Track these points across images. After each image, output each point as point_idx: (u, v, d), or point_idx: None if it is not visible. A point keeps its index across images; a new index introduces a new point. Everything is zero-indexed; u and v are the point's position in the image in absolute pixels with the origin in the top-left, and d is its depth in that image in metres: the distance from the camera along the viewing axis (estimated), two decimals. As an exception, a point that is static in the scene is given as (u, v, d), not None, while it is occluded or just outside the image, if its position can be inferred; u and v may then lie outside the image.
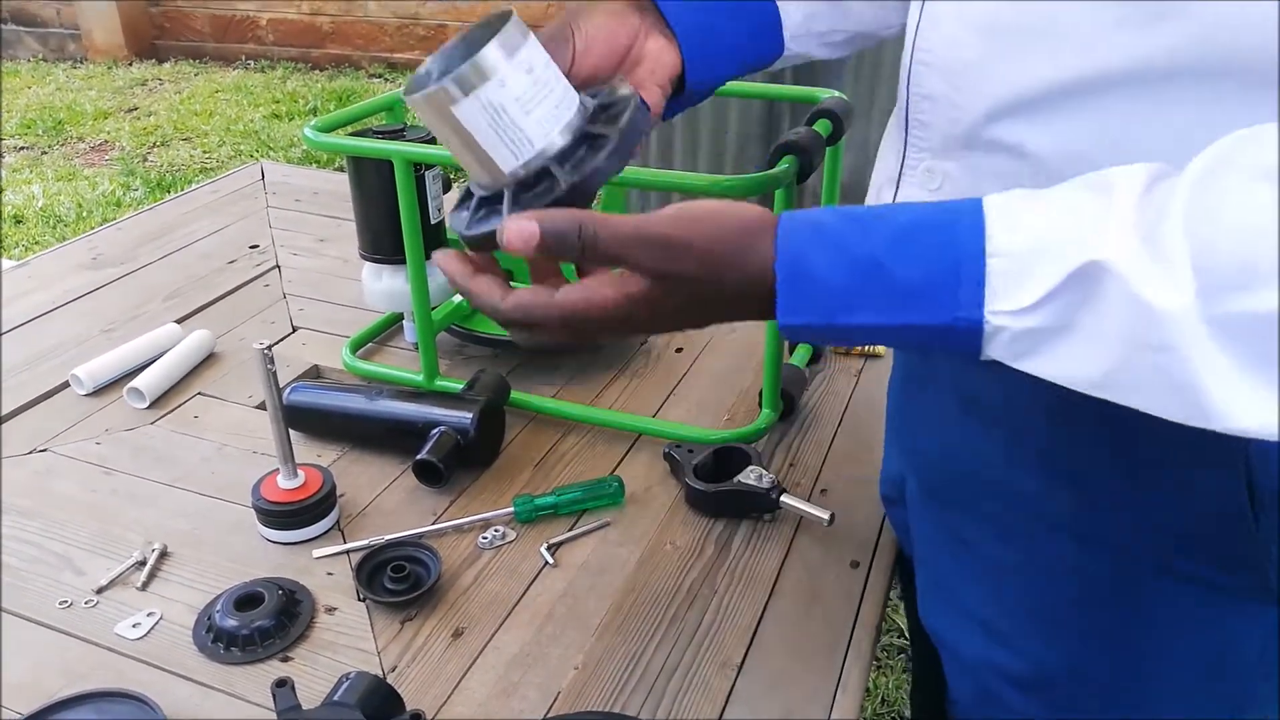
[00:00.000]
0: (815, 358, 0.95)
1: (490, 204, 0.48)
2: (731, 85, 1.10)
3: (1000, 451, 0.52)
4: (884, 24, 0.66)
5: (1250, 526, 0.46)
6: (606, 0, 0.58)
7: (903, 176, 0.54)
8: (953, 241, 0.39)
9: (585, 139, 0.47)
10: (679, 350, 0.99)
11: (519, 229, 0.43)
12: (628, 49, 0.57)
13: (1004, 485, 0.52)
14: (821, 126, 0.82)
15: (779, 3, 0.62)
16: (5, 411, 0.90)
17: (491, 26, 0.46)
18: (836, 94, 0.88)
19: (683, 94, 0.61)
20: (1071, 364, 0.38)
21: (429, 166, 0.89)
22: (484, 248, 0.48)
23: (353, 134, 0.90)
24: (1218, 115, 0.39)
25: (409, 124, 0.92)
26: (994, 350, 0.40)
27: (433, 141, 0.87)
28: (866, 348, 0.99)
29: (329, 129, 0.86)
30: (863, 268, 0.40)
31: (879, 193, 0.59)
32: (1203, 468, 0.45)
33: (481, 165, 0.47)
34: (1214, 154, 0.36)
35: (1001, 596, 0.55)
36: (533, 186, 0.47)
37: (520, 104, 0.45)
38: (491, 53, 0.44)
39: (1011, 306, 0.38)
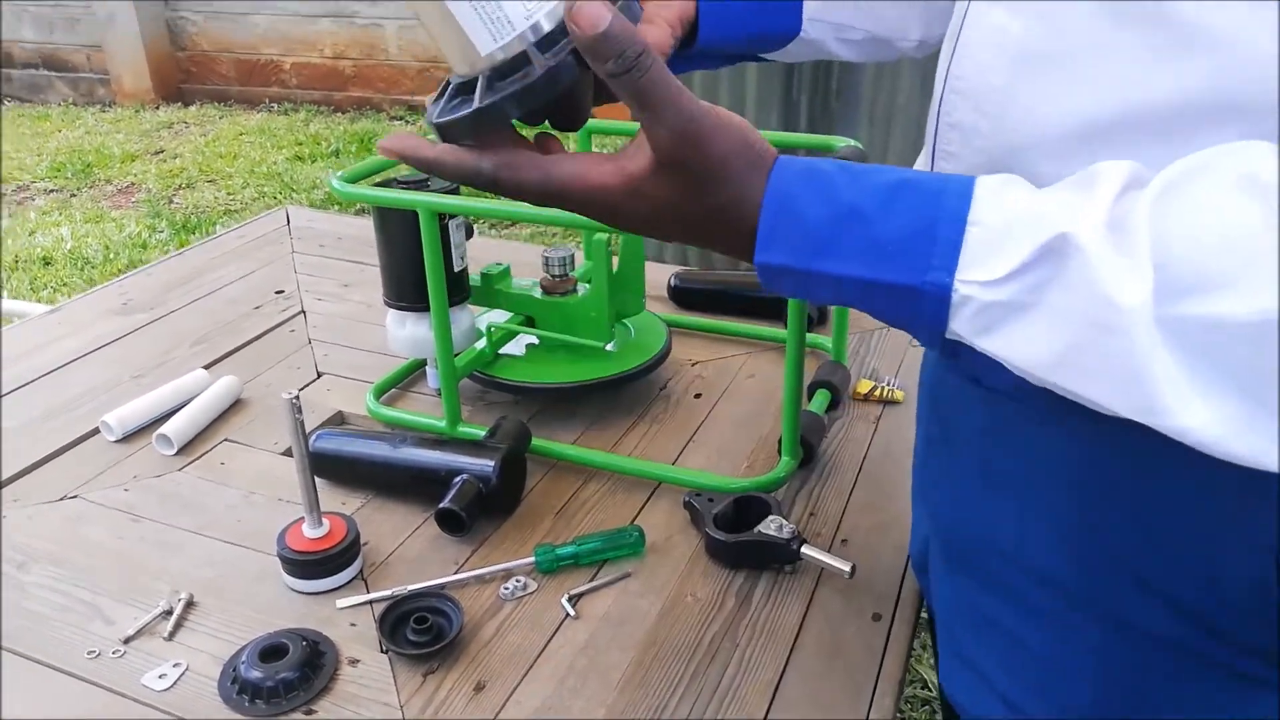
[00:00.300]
0: (834, 404, 0.95)
1: (465, 92, 0.46)
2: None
3: (1019, 524, 0.52)
4: (902, 33, 0.67)
5: (1276, 614, 0.45)
6: None
7: None
8: (937, 204, 0.40)
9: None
10: (698, 396, 1.00)
11: (592, 8, 0.40)
12: None
13: (1022, 559, 0.52)
14: (839, 178, 0.83)
15: None
16: (39, 458, 0.92)
17: None
18: (852, 143, 0.90)
19: (693, 49, 0.60)
20: (1030, 344, 0.38)
21: (453, 215, 0.91)
22: (454, 137, 0.45)
23: (378, 184, 0.92)
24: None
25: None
26: (958, 323, 0.39)
27: (456, 191, 0.89)
28: (885, 393, 0.99)
29: (355, 179, 0.88)
30: (845, 214, 0.41)
31: None
32: (1230, 551, 0.45)
33: (460, 47, 0.45)
34: (1192, 160, 0.36)
35: (1019, 671, 0.54)
36: (508, 74, 0.44)
37: None
38: None
39: (983, 277, 0.38)
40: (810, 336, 1.05)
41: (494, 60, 0.44)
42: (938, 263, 0.39)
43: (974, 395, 0.53)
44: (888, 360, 1.06)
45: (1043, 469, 0.50)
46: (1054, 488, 0.49)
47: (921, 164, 0.57)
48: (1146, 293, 0.35)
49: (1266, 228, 0.33)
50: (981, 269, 0.38)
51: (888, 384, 1.00)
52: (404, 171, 0.97)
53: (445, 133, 0.45)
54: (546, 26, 0.44)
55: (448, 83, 0.48)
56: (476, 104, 0.44)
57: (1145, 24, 0.40)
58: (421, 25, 0.46)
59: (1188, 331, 0.34)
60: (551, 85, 0.44)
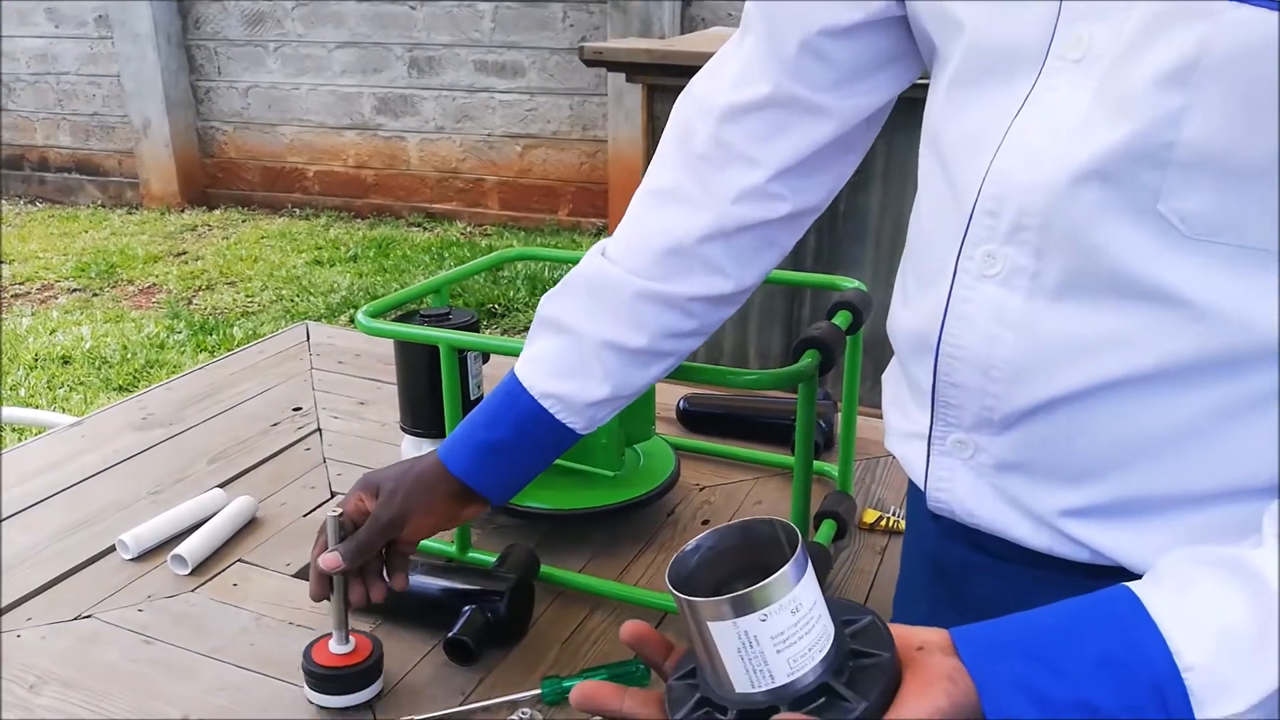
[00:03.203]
0: (840, 534, 0.97)
1: (712, 709, 0.46)
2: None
3: None
4: (684, 351, 0.76)
5: None
6: (426, 494, 0.74)
7: (932, 443, 0.58)
8: (1144, 662, 0.42)
9: (826, 690, 0.45)
10: (705, 523, 1.01)
11: None
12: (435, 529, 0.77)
13: None
14: (841, 319, 0.87)
15: (570, 425, 0.73)
16: (55, 575, 0.93)
17: (776, 534, 0.46)
18: (856, 285, 0.94)
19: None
20: None
21: (470, 346, 0.95)
22: None
23: (399, 317, 0.96)
24: (1238, 406, 0.45)
25: (453, 307, 0.98)
26: None
27: (475, 327, 0.93)
28: (891, 523, 1.00)
29: (379, 313, 0.92)
30: (1073, 712, 0.43)
31: (902, 443, 0.62)
32: None
33: (715, 672, 0.46)
34: None
35: None
36: (757, 717, 0.45)
37: (775, 641, 0.44)
38: (772, 588, 0.43)
39: (1223, 713, 0.41)
40: (816, 464, 1.07)
41: (746, 701, 0.45)
42: (1175, 710, 0.42)
43: (983, 564, 0.55)
44: (893, 490, 1.08)
45: None
46: None
47: (910, 392, 0.61)
48: None
49: None
50: (1218, 707, 0.41)
51: (893, 514, 1.01)
52: (427, 303, 1.02)
53: None
54: (803, 684, 0.44)
55: (690, 670, 0.48)
56: None
57: (1150, 300, 0.46)
58: (684, 627, 0.46)
59: None
60: None
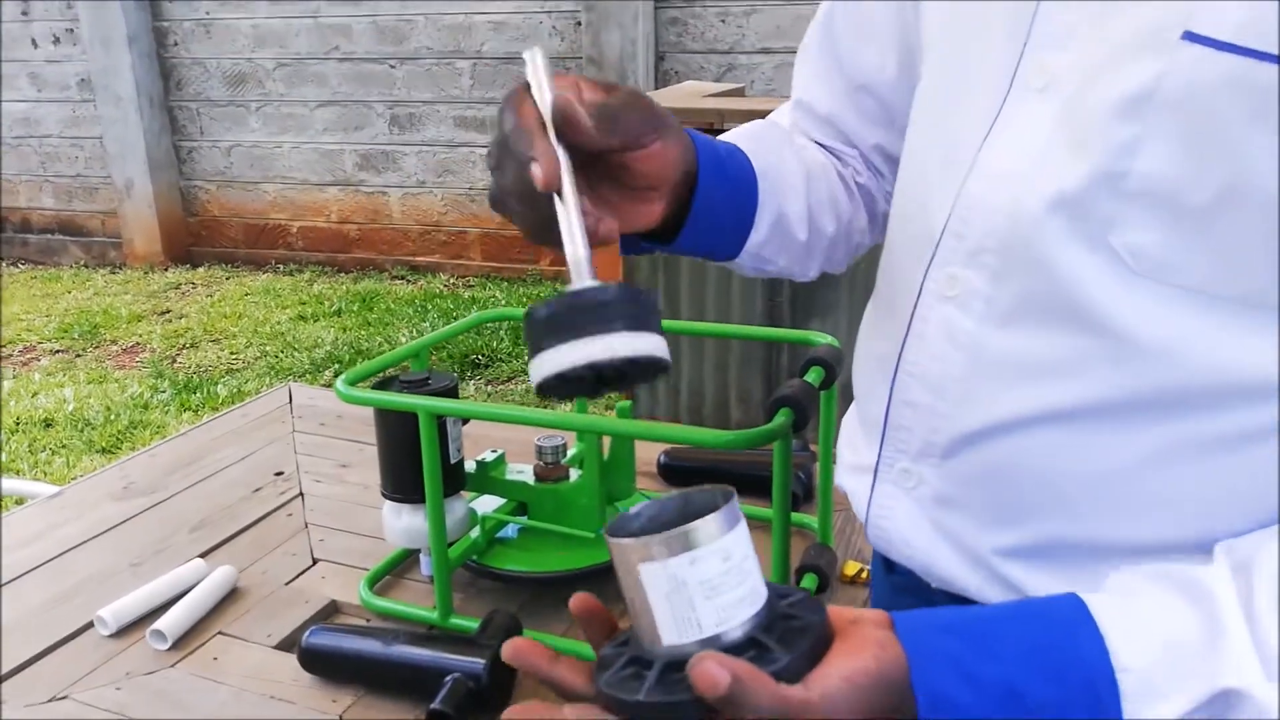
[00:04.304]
0: (821, 588, 0.97)
1: (640, 666, 0.47)
2: (732, 328, 1.18)
3: None
4: (804, 271, 0.74)
5: None
6: (679, 138, 0.55)
7: (879, 472, 0.59)
8: (1080, 658, 0.43)
9: (754, 645, 0.45)
10: (688, 580, 1.01)
11: (708, 672, 0.42)
12: (656, 179, 0.55)
13: None
14: (814, 375, 0.88)
15: (756, 221, 0.65)
16: (32, 654, 0.92)
17: (715, 504, 0.47)
18: (828, 340, 0.95)
19: (663, 246, 0.63)
20: None
21: (449, 411, 0.95)
22: (619, 710, 0.46)
23: (378, 383, 0.97)
24: (1172, 452, 0.46)
25: (433, 370, 0.99)
26: None
27: (454, 392, 0.94)
28: (871, 575, 1.00)
29: (358, 380, 0.93)
30: (1002, 696, 0.43)
31: (851, 476, 0.63)
32: None
33: (643, 621, 0.47)
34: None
35: None
36: (681, 668, 0.45)
37: (703, 587, 0.45)
38: (700, 531, 0.44)
39: (1154, 717, 0.42)
40: (796, 516, 1.08)
41: (672, 652, 0.45)
42: (1107, 713, 0.42)
43: None
44: (873, 540, 1.08)
45: None
46: None
47: (860, 424, 0.61)
48: None
49: None
50: (1150, 710, 0.42)
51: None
52: (407, 367, 1.02)
53: (609, 703, 0.47)
54: (729, 639, 0.45)
55: (625, 640, 0.49)
56: (641, 697, 0.45)
57: (1095, 333, 0.47)
58: (618, 577, 0.47)
59: None
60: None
